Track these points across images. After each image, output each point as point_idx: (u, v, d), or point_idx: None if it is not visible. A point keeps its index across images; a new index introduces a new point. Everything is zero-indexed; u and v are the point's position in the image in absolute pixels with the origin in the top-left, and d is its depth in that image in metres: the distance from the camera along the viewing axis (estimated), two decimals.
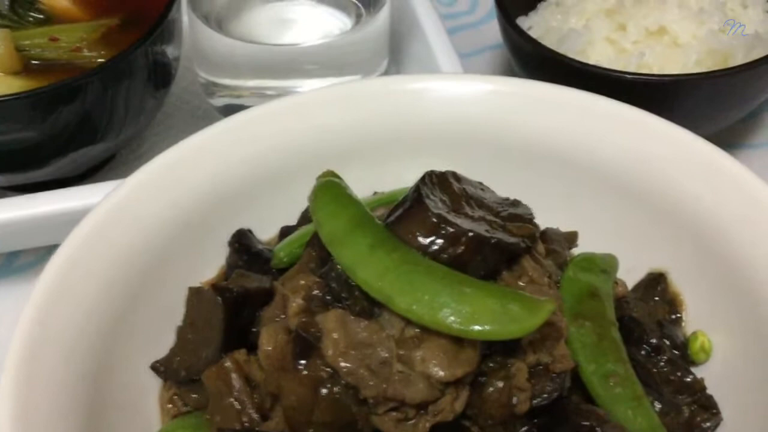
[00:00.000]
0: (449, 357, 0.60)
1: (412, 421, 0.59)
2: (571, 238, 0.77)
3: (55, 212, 0.82)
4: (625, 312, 0.71)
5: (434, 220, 0.63)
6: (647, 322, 0.70)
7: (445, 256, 0.62)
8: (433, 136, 0.84)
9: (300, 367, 0.60)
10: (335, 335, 0.60)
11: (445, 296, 0.59)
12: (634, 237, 0.78)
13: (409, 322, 0.61)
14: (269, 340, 0.62)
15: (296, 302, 0.63)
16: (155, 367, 0.71)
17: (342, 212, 0.65)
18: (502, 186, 0.72)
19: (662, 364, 0.67)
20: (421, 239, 0.62)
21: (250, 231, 0.82)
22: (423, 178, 0.66)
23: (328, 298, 0.63)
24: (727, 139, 1.06)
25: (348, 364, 0.59)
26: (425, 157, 0.81)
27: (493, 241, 0.63)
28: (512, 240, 0.65)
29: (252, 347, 0.67)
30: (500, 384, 0.60)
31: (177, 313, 0.73)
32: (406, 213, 0.64)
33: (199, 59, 1.03)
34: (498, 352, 0.62)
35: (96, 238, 0.69)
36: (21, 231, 0.83)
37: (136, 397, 0.69)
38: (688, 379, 0.67)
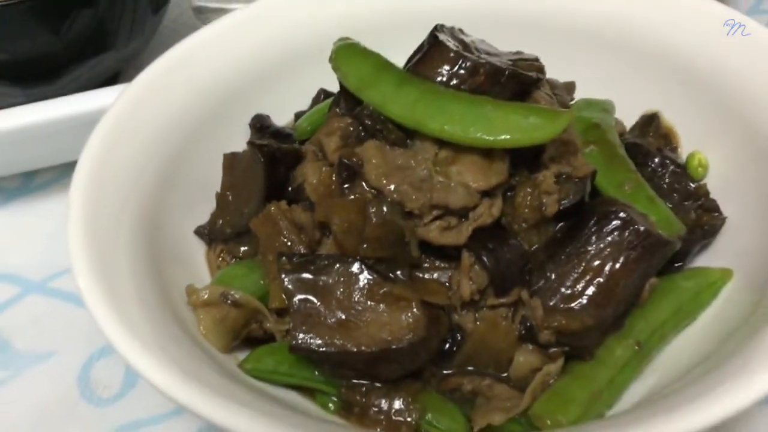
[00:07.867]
0: (482, 169, 0.65)
1: (456, 228, 0.64)
2: (570, 87, 0.83)
3: (75, 115, 0.83)
4: (627, 142, 0.77)
5: (452, 55, 0.68)
6: (648, 147, 0.76)
7: (466, 86, 0.67)
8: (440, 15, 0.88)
9: (347, 191, 0.65)
10: (375, 160, 0.65)
11: (472, 115, 0.64)
12: (625, 86, 0.85)
13: (441, 145, 0.66)
14: (314, 173, 0.67)
15: (333, 140, 0.68)
16: (199, 232, 0.75)
17: (366, 60, 0.70)
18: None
19: (667, 177, 0.74)
20: (442, 72, 0.68)
21: (267, 116, 0.86)
22: (436, 27, 0.71)
23: (362, 134, 0.68)
24: None
25: (392, 183, 0.64)
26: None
27: (508, 71, 0.69)
28: (525, 71, 0.71)
29: (290, 203, 0.72)
30: (529, 190, 0.66)
31: (210, 186, 0.78)
32: (426, 53, 0.69)
33: None
34: (523, 166, 0.68)
35: (135, 112, 0.74)
36: (41, 136, 0.85)
37: (188, 254, 0.73)
38: (691, 187, 0.73)
